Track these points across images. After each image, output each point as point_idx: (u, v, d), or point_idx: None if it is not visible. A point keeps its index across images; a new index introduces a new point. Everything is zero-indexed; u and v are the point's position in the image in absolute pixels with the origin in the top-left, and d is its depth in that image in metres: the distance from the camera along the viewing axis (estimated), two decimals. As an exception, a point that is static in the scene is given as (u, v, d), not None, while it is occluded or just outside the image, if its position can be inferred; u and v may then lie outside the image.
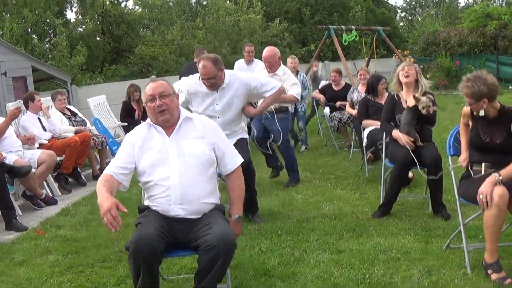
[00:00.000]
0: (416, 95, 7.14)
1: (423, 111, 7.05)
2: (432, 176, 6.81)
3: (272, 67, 9.03)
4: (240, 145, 6.93)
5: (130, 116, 12.62)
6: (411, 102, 7.16)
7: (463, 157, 5.69)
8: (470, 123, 5.56)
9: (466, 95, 5.36)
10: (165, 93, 4.77)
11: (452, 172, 5.74)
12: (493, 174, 5.00)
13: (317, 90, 13.83)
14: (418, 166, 7.01)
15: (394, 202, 7.32)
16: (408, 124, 7.19)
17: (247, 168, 6.65)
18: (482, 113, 5.32)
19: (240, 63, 12.91)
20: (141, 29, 35.39)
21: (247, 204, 7.14)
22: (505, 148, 5.29)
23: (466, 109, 5.57)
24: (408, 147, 7.04)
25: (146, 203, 4.87)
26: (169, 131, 4.81)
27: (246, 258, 6.00)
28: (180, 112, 4.91)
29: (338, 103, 12.63)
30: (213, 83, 6.90)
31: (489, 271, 5.11)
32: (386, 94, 9.69)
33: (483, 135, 5.39)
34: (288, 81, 8.68)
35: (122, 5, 36.92)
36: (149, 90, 4.78)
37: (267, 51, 9.21)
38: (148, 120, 4.89)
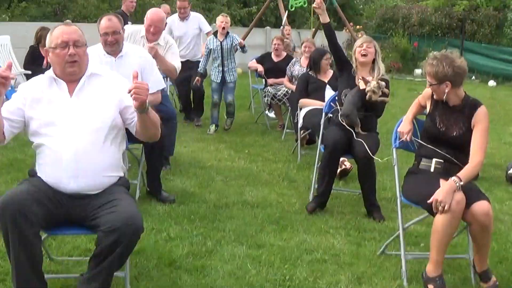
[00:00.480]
0: (367, 78, 7.06)
1: (367, 96, 6.98)
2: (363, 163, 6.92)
3: (156, 34, 8.59)
4: None
5: (36, 63, 12.23)
6: (361, 84, 7.08)
7: (407, 128, 5.64)
8: (428, 108, 5.53)
9: (428, 74, 5.36)
10: (80, 42, 4.60)
11: (395, 167, 5.69)
12: (452, 179, 4.94)
13: (254, 60, 13.66)
14: (351, 155, 7.07)
15: (329, 193, 7.22)
16: (351, 103, 7.11)
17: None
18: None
19: (173, 19, 12.57)
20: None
21: (150, 179, 7.32)
22: (460, 143, 5.29)
23: (429, 90, 5.53)
24: (345, 124, 7.02)
25: (36, 168, 4.68)
26: (71, 88, 4.62)
27: (151, 244, 5.87)
28: (87, 67, 4.73)
29: (270, 81, 12.56)
30: (117, 39, 6.96)
31: (430, 286, 5.04)
32: (331, 71, 9.66)
33: (439, 124, 5.37)
34: (169, 52, 8.64)
35: None
36: (62, 34, 4.55)
37: (156, 14, 8.68)
38: (50, 71, 4.69)
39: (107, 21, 6.92)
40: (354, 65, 7.41)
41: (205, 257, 5.66)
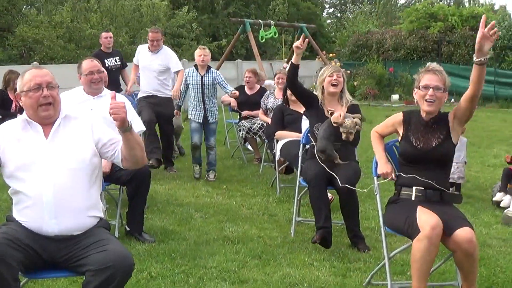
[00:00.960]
0: (338, 114, 7.03)
1: (343, 136, 7.01)
2: (344, 194, 6.87)
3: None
4: None
5: (5, 107, 12.19)
6: (335, 119, 7.06)
7: (388, 167, 5.65)
8: (401, 132, 5.58)
9: (434, 80, 5.42)
10: (53, 84, 4.65)
11: (377, 196, 5.74)
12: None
13: (226, 94, 13.67)
14: (333, 186, 7.04)
15: (330, 219, 7.02)
16: (325, 139, 7.09)
17: (143, 174, 7.00)
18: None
19: (143, 49, 12.02)
20: (24, 6, 34.59)
21: (131, 220, 7.28)
22: (440, 153, 5.40)
23: (399, 116, 5.61)
24: (322, 163, 7.01)
25: (14, 214, 4.66)
26: (46, 130, 4.65)
27: (133, 284, 5.86)
28: (61, 109, 4.76)
29: (244, 113, 12.59)
30: (101, 77, 7.28)
31: None
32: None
33: (415, 142, 5.44)
34: None
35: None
36: (35, 77, 4.60)
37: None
38: (24, 114, 4.70)
39: (90, 62, 7.26)
40: (320, 96, 7.44)
41: (188, 296, 5.64)
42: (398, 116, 5.66)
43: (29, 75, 4.62)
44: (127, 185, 7.07)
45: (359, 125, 7.07)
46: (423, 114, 5.51)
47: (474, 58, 4.94)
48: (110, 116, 4.34)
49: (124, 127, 4.43)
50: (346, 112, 7.11)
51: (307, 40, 7.23)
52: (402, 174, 5.49)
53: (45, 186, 4.46)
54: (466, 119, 5.51)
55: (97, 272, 4.22)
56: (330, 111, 7.21)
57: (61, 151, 4.58)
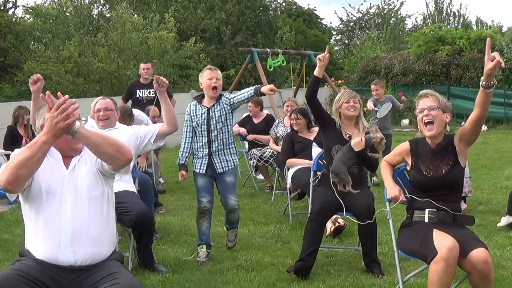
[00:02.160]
0: (359, 139, 7.06)
1: (377, 145, 7.09)
2: (366, 221, 6.81)
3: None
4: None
5: (16, 143, 12.32)
6: (356, 145, 7.09)
7: (396, 191, 5.68)
8: (410, 161, 5.61)
9: (429, 101, 5.55)
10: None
11: (390, 220, 5.76)
12: None
13: (236, 124, 13.76)
14: (344, 212, 7.04)
15: (315, 254, 7.05)
16: (342, 162, 7.11)
17: (146, 221, 7.07)
18: None
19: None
20: (32, 43, 34.86)
21: (141, 256, 7.35)
22: (451, 179, 5.44)
23: (405, 145, 5.66)
24: (335, 191, 7.04)
25: (28, 246, 4.68)
26: (66, 160, 4.72)
27: (148, 316, 5.86)
28: None
29: (250, 137, 12.69)
30: (108, 114, 7.51)
31: None
32: (316, 129, 9.74)
33: (425, 171, 5.48)
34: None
35: (10, 12, 36.27)
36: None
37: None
38: None
39: (101, 99, 7.61)
40: (338, 120, 7.45)
41: (204, 325, 5.65)
42: (405, 146, 5.72)
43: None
44: (132, 227, 7.12)
45: (384, 140, 7.15)
46: (429, 141, 5.56)
47: (482, 82, 5.00)
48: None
49: (68, 132, 4.24)
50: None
51: (329, 50, 7.28)
52: (413, 197, 5.51)
53: (64, 215, 4.51)
54: (472, 141, 5.55)
55: None
56: (348, 135, 7.26)
57: (81, 181, 4.64)
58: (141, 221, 6.91)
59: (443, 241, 4.97)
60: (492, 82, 4.99)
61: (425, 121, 5.49)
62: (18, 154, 4.25)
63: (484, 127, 23.44)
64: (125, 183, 7.27)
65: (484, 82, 4.98)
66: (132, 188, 7.39)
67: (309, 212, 7.65)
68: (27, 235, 4.71)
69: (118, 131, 7.23)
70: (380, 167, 6.02)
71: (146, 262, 7.33)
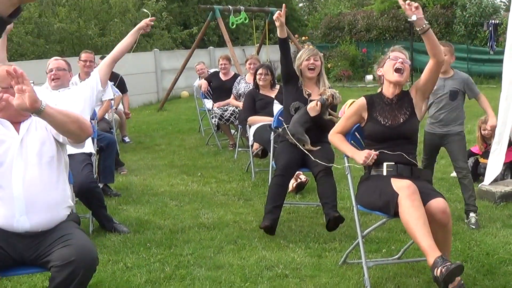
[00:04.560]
0: (314, 104, 7.08)
1: (329, 100, 7.08)
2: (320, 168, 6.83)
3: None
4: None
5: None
6: (311, 110, 7.10)
7: (365, 153, 5.50)
8: (365, 116, 5.60)
9: (403, 56, 5.63)
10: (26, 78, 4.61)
11: (348, 175, 5.75)
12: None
13: (203, 79, 13.68)
14: (308, 169, 7.05)
15: (280, 208, 7.03)
16: (298, 123, 7.13)
17: (90, 191, 7.03)
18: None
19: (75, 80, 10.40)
20: (-9, 3, 34.32)
21: (100, 221, 7.36)
22: (408, 128, 5.47)
23: (361, 101, 5.65)
24: (299, 146, 6.99)
25: None
26: (16, 126, 4.65)
27: (108, 275, 5.87)
28: None
29: (216, 105, 12.62)
30: (58, 74, 7.42)
31: (436, 271, 4.68)
32: (277, 86, 9.73)
33: (383, 120, 5.48)
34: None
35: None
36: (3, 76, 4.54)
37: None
38: None
39: (54, 60, 7.58)
40: (300, 79, 7.42)
41: (164, 284, 5.66)
42: (360, 102, 5.67)
43: (4, 72, 4.46)
44: (79, 197, 7.07)
45: (336, 98, 7.15)
46: (387, 93, 5.56)
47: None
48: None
49: (34, 110, 4.15)
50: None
51: (285, 10, 7.24)
52: (384, 151, 5.46)
53: (15, 182, 4.45)
54: (429, 91, 5.60)
55: (61, 268, 4.21)
56: (307, 92, 7.23)
57: (32, 147, 4.58)
58: (83, 192, 6.91)
59: (401, 184, 5.02)
60: (424, 26, 5.20)
61: (397, 67, 5.48)
62: None
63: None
64: None
65: (417, 29, 5.18)
66: (89, 149, 7.31)
67: (270, 168, 7.66)
68: None
69: (71, 91, 7.15)
70: (332, 142, 5.93)
71: (104, 224, 7.32)
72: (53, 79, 7.38)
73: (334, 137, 5.80)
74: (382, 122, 5.47)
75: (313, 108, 7.04)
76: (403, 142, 5.43)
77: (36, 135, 4.64)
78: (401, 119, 5.46)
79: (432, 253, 4.76)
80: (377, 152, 5.41)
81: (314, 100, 7.15)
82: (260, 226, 6.88)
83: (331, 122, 7.11)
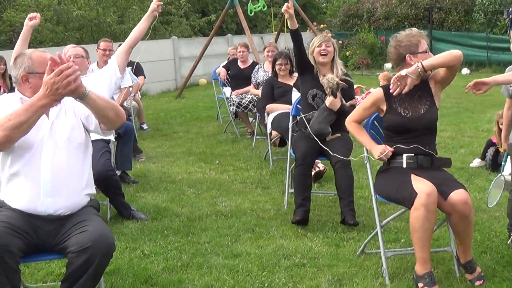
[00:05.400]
0: (331, 99, 7.05)
1: (327, 91, 7.00)
2: (338, 159, 6.76)
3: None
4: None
5: (-7, 91, 12.21)
6: (332, 104, 7.06)
7: (381, 148, 5.45)
8: (384, 108, 5.51)
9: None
10: None
11: (367, 165, 5.71)
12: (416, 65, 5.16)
13: (221, 66, 13.64)
14: (326, 157, 7.00)
15: (309, 199, 7.00)
16: (323, 123, 7.08)
17: (107, 179, 7.02)
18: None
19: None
20: (11, -10, 34.38)
21: (118, 208, 7.38)
22: (429, 118, 5.38)
23: (378, 92, 5.56)
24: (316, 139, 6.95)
25: (4, 197, 4.61)
26: (46, 111, 4.59)
27: (125, 263, 5.88)
28: None
29: (235, 92, 12.58)
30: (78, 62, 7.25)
31: (420, 285, 5.00)
32: (296, 74, 9.67)
33: (404, 111, 5.38)
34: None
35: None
36: (48, 60, 4.53)
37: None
38: (17, 93, 4.67)
39: (71, 47, 7.55)
40: (315, 66, 7.39)
41: (181, 271, 5.66)
42: (378, 93, 5.55)
43: (42, 58, 4.57)
44: (97, 184, 7.08)
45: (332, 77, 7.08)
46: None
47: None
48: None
49: (79, 95, 4.22)
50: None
51: (291, 2, 7.19)
52: (400, 146, 5.40)
53: (44, 165, 4.46)
54: (448, 83, 5.49)
55: (77, 254, 4.21)
56: (323, 76, 7.19)
57: (61, 132, 4.59)
58: (101, 180, 6.84)
59: (421, 186, 4.92)
60: (419, 70, 5.19)
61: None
62: (13, 115, 4.17)
63: (466, 71, 23.43)
64: None
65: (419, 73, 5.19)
66: (107, 136, 7.31)
67: (288, 156, 7.62)
68: (3, 186, 4.64)
69: (89, 79, 7.14)
70: (349, 130, 5.87)
71: (122, 211, 7.33)
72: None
73: (351, 125, 5.74)
74: (403, 114, 5.37)
75: (332, 102, 7.01)
76: (423, 132, 5.35)
77: (66, 120, 4.66)
78: (422, 110, 5.36)
79: (425, 265, 5.00)
80: (392, 149, 5.35)
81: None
82: (292, 221, 6.81)
83: (352, 109, 7.07)
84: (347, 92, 7.28)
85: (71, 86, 4.03)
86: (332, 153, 6.75)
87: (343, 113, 7.01)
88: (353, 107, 7.05)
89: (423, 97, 5.42)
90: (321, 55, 7.27)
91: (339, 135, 7.09)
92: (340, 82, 7.03)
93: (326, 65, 7.35)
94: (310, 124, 7.13)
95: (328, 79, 7.01)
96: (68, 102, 4.74)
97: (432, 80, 5.45)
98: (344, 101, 7.08)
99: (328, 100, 7.04)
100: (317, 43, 7.32)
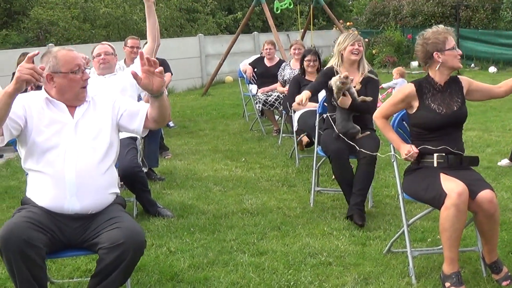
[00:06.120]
0: (345, 99, 7.02)
1: (338, 96, 6.97)
2: (365, 156, 6.78)
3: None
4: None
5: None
6: (343, 102, 7.03)
7: (408, 147, 5.43)
8: (416, 104, 5.46)
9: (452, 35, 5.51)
10: (85, 66, 4.72)
11: (394, 163, 5.68)
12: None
13: (246, 63, 13.62)
14: (353, 156, 7.00)
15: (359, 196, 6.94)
16: (344, 120, 7.08)
17: (134, 175, 7.03)
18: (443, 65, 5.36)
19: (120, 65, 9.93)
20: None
21: (143, 203, 7.38)
22: (460, 116, 5.37)
23: (410, 88, 5.50)
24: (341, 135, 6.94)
25: (30, 195, 4.64)
26: (71, 110, 4.66)
27: (152, 260, 5.89)
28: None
29: (261, 90, 12.54)
30: (107, 59, 7.40)
31: (447, 284, 4.98)
32: (322, 71, 9.67)
33: (438, 108, 5.33)
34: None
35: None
36: (75, 59, 4.61)
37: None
38: (44, 93, 4.68)
39: (100, 45, 7.55)
40: (336, 63, 7.41)
41: (207, 269, 5.67)
42: (409, 89, 5.47)
43: (67, 57, 4.59)
44: (123, 180, 7.12)
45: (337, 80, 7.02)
46: (437, 78, 5.42)
47: None
48: (143, 78, 4.32)
49: (158, 92, 4.43)
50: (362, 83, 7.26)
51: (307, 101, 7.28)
52: (427, 146, 5.37)
53: (69, 164, 4.47)
54: (478, 101, 5.66)
55: (109, 250, 4.24)
56: (343, 75, 7.18)
57: (87, 130, 4.62)
58: (127, 177, 6.95)
59: (452, 186, 4.89)
60: None
61: (460, 53, 5.44)
62: None
63: (494, 69, 23.23)
64: None
65: None
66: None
67: (315, 154, 7.61)
68: (29, 183, 4.68)
69: (118, 77, 7.22)
70: (377, 125, 5.84)
71: (148, 208, 7.35)
72: (101, 63, 7.38)
73: (379, 121, 5.67)
74: (438, 111, 5.31)
75: (342, 100, 7.00)
76: (453, 129, 5.33)
77: (93, 120, 4.68)
78: (455, 107, 5.32)
79: (452, 265, 4.99)
80: (417, 150, 5.33)
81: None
82: (356, 223, 6.73)
83: (366, 104, 7.08)
84: (371, 89, 7.31)
85: (30, 75, 4.03)
86: (358, 148, 6.77)
87: (362, 110, 7.06)
88: (364, 102, 7.07)
89: (454, 95, 5.39)
90: (353, 53, 7.26)
91: (368, 133, 7.11)
92: (344, 80, 6.97)
93: (354, 64, 7.36)
94: (336, 124, 7.14)
95: (334, 83, 6.95)
96: (106, 100, 4.84)
97: (466, 85, 5.41)
98: (356, 97, 7.04)
99: (339, 100, 7.03)
100: (350, 42, 7.28)
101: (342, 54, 7.31)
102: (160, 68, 4.28)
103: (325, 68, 7.81)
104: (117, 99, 4.89)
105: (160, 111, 4.59)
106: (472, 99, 5.54)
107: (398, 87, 13.33)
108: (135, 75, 4.25)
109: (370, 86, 7.29)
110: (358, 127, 7.03)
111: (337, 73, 7.19)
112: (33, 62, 4.06)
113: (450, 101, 5.34)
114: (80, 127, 4.60)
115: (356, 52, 7.25)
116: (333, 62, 7.45)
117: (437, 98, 5.36)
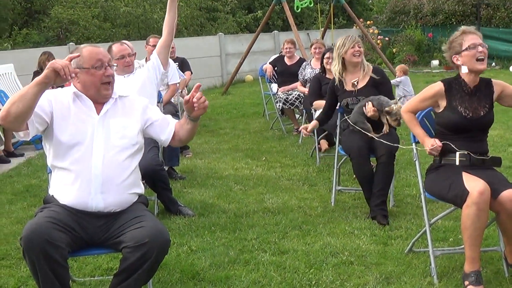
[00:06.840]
0: (387, 108, 7.00)
1: (394, 123, 6.99)
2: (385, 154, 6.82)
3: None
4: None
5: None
6: (369, 113, 7.07)
7: (431, 140, 5.41)
8: (443, 103, 5.44)
9: (479, 39, 5.41)
10: (111, 62, 4.74)
11: (416, 162, 5.67)
12: None
13: (268, 63, 13.62)
14: (373, 154, 7.02)
15: (380, 197, 6.94)
16: (358, 113, 7.16)
17: (155, 173, 7.07)
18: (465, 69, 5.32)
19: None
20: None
21: (164, 201, 7.40)
22: (486, 122, 5.36)
23: (438, 86, 5.47)
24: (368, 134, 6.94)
25: (53, 192, 4.66)
26: (98, 107, 4.69)
27: (173, 258, 5.90)
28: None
29: (281, 89, 12.53)
30: (132, 60, 7.45)
31: (466, 283, 4.98)
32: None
33: (464, 112, 5.30)
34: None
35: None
36: (98, 54, 4.64)
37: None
38: (73, 88, 4.71)
39: (119, 46, 7.40)
40: (337, 69, 7.55)
41: (228, 268, 5.67)
42: (438, 87, 5.45)
43: (90, 52, 4.63)
44: (145, 179, 7.11)
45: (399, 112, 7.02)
46: (467, 80, 5.38)
47: None
48: (194, 107, 4.53)
49: (198, 118, 4.69)
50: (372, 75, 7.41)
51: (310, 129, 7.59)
52: (448, 143, 5.35)
53: (95, 161, 4.50)
54: (505, 105, 5.60)
55: (134, 249, 4.25)
56: (355, 81, 7.32)
57: (114, 129, 4.65)
58: (149, 175, 6.93)
59: (474, 184, 4.87)
60: None
61: (479, 57, 5.29)
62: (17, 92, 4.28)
63: (516, 68, 23.09)
64: None
65: None
66: None
67: (336, 153, 7.60)
68: (53, 181, 4.70)
69: (136, 76, 7.23)
70: (404, 118, 5.83)
71: (169, 207, 7.37)
72: (125, 66, 7.32)
73: (407, 115, 5.67)
74: (464, 114, 5.28)
75: (370, 113, 7.04)
76: (478, 133, 5.31)
77: (121, 118, 4.72)
78: (482, 112, 5.30)
79: (473, 264, 4.97)
80: (441, 144, 5.31)
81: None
82: (380, 223, 6.71)
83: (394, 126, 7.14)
84: (384, 88, 7.42)
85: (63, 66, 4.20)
86: (378, 141, 6.78)
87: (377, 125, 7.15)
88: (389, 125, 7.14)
89: (482, 99, 5.36)
90: (355, 56, 7.40)
91: (387, 131, 7.10)
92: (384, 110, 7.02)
93: (357, 65, 7.48)
94: (351, 113, 7.26)
95: (396, 114, 6.94)
96: (137, 103, 4.92)
97: (498, 90, 5.39)
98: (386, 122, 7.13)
99: (368, 107, 7.09)
100: (350, 44, 7.45)
101: (343, 57, 7.45)
102: (206, 103, 4.53)
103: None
104: (150, 106, 4.97)
105: (189, 134, 4.84)
106: (505, 105, 5.53)
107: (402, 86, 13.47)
108: (186, 102, 4.52)
109: (383, 88, 7.39)
110: (369, 125, 7.07)
111: (341, 82, 7.45)
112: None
113: (478, 106, 5.32)
114: (107, 124, 4.64)
115: (357, 54, 7.42)
116: (334, 68, 7.60)
117: (465, 100, 5.32)
